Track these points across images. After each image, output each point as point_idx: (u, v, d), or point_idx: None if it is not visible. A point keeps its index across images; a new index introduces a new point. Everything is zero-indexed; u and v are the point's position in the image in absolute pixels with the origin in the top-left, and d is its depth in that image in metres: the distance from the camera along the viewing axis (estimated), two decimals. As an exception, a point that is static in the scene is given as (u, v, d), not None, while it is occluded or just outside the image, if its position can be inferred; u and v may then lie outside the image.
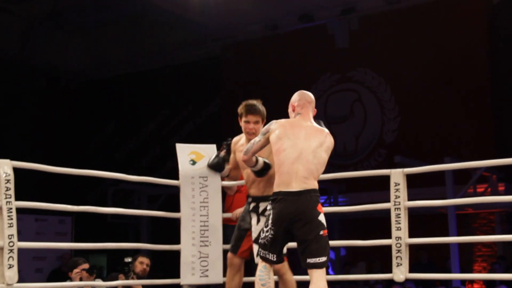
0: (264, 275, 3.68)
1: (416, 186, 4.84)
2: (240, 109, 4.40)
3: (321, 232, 3.61)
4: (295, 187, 3.61)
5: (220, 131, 12.29)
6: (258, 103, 4.42)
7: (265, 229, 3.70)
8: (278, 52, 12.40)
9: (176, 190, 5.57)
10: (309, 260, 3.60)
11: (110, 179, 6.96)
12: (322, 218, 3.66)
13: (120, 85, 14.12)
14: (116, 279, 5.55)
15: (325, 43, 12.04)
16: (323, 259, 3.61)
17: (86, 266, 5.21)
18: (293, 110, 3.99)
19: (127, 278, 5.52)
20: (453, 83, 10.86)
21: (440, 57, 10.98)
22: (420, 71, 11.10)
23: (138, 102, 13.93)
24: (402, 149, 10.53)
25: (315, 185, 3.66)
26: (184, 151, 5.44)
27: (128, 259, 5.58)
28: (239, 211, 5.27)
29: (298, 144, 3.73)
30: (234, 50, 12.89)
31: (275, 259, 3.69)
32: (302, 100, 3.97)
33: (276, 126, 3.86)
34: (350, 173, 5.69)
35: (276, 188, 3.68)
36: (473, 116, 10.64)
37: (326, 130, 3.94)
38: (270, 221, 3.67)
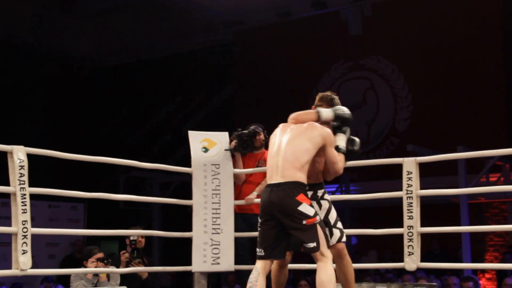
0: (252, 277, 3.68)
1: (428, 175, 4.82)
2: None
3: (304, 222, 3.62)
4: (275, 179, 3.71)
5: (232, 119, 12.29)
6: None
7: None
8: (291, 39, 12.34)
9: (187, 177, 5.58)
10: (303, 247, 3.65)
11: (122, 166, 7.00)
12: (304, 208, 3.64)
13: (132, 72, 14.13)
14: (119, 260, 5.55)
15: (338, 30, 11.97)
16: (312, 244, 3.62)
17: (100, 255, 5.23)
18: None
19: (133, 257, 5.52)
20: (466, 71, 10.77)
21: (453, 44, 10.89)
22: (433, 58, 11.02)
23: (150, 89, 13.94)
24: (414, 138, 10.48)
25: (297, 176, 3.68)
26: (196, 138, 5.44)
27: (134, 237, 5.60)
28: (251, 196, 5.28)
29: (278, 139, 3.84)
30: (246, 37, 12.84)
31: (263, 254, 3.71)
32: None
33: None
34: (362, 161, 5.67)
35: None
36: (486, 104, 10.56)
37: (319, 125, 3.93)
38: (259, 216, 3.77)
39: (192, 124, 12.92)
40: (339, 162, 3.90)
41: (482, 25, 10.70)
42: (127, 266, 5.54)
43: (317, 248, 3.64)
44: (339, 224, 3.96)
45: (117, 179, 11.90)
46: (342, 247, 3.91)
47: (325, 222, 3.86)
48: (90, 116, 14.35)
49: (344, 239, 3.93)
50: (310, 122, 3.93)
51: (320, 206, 3.91)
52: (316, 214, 3.70)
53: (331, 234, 3.86)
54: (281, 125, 3.99)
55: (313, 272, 7.56)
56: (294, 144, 3.77)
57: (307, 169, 3.75)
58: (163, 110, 13.91)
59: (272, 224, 3.69)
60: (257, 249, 3.73)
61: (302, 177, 3.71)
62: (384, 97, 11.66)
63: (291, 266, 6.48)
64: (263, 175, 5.17)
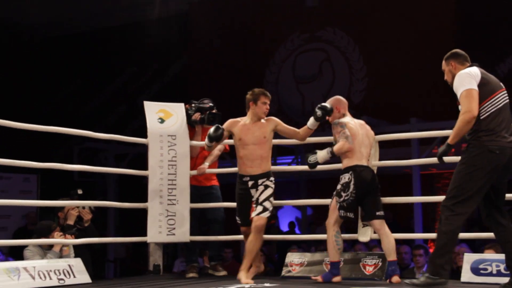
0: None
1: (382, 146, 4.91)
2: (254, 94, 4.64)
3: None
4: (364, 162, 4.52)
5: (186, 89, 12.20)
6: None
7: None
8: (246, 10, 12.26)
9: (143, 148, 5.54)
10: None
11: (76, 137, 6.88)
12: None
13: (86, 41, 13.85)
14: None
15: (294, 1, 11.94)
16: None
17: (59, 229, 5.12)
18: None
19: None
20: (420, 43, 10.90)
21: (408, 17, 10.99)
22: (389, 31, 11.11)
23: (105, 59, 13.70)
24: (369, 110, 10.60)
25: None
26: (152, 109, 5.39)
27: (80, 191, 5.48)
28: (203, 166, 5.26)
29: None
30: (201, 7, 12.70)
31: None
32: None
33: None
34: (317, 135, 5.71)
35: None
36: (439, 76, 10.71)
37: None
38: None
39: (147, 94, 12.78)
40: None
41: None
42: (77, 220, 5.38)
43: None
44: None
45: (71, 150, 11.72)
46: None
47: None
48: (43, 85, 14.04)
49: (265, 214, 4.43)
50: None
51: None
52: None
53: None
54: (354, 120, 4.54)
55: (266, 243, 7.63)
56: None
57: None
58: (118, 80, 13.71)
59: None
60: (349, 214, 4.39)
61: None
62: (339, 69, 11.73)
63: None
64: None
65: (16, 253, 7.41)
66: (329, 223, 4.46)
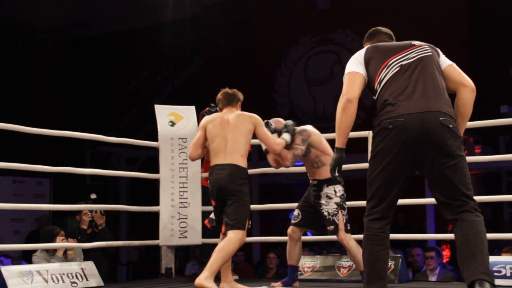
0: None
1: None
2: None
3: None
4: None
5: (199, 93, 12.21)
6: None
7: None
8: (259, 13, 12.27)
9: (155, 152, 5.56)
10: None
11: (89, 141, 6.91)
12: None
13: (99, 45, 13.91)
14: (85, 234, 5.46)
15: (306, 4, 11.93)
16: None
17: (62, 233, 5.17)
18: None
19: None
20: (433, 44, 10.83)
21: (421, 18, 10.95)
22: (401, 33, 11.04)
23: (117, 62, 13.76)
24: (381, 112, 10.55)
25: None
26: (163, 113, 5.42)
27: (94, 195, 5.53)
28: None
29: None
30: (213, 11, 12.72)
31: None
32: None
33: None
34: (329, 134, 5.69)
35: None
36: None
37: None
38: None
39: (159, 98, 12.82)
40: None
41: (451, 3, 10.77)
42: (90, 224, 5.47)
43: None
44: None
45: (83, 154, 11.78)
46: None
47: None
48: (56, 90, 14.11)
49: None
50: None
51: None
52: None
53: None
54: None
55: (280, 245, 7.63)
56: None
57: None
58: (130, 84, 13.76)
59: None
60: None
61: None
62: (351, 71, 11.68)
63: (260, 238, 6.52)
64: None
65: (28, 257, 7.46)
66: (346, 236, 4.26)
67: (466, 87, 3.04)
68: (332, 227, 4.24)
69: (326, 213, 4.26)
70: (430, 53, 3.06)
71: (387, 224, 2.94)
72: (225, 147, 4.12)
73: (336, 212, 4.25)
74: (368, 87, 3.10)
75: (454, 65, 3.11)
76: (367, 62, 3.07)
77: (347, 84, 3.06)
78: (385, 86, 2.98)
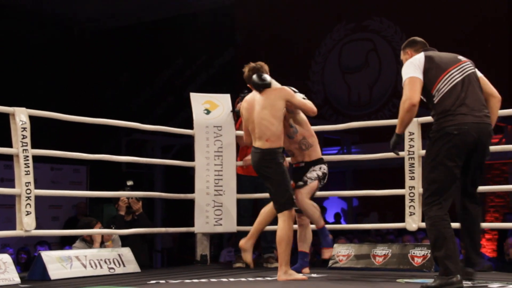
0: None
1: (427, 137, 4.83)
2: None
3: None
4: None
5: (234, 81, 12.23)
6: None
7: None
8: (292, 1, 12.20)
9: (189, 140, 5.58)
10: None
11: (124, 129, 6.99)
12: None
13: (134, 34, 14.02)
14: (122, 220, 5.55)
15: (341, -9, 11.84)
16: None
17: (99, 225, 5.26)
18: None
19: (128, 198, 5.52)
20: (471, 34, 10.66)
21: (459, 5, 10.76)
22: (438, 20, 10.90)
23: (152, 51, 13.84)
24: (416, 100, 10.43)
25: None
26: (199, 101, 5.43)
27: (130, 182, 5.61)
28: (249, 157, 5.26)
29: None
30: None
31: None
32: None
33: None
34: (363, 122, 5.66)
35: None
36: (490, 66, 10.47)
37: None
38: None
39: (194, 86, 12.86)
40: None
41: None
42: (128, 210, 5.56)
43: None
44: None
45: (119, 142, 11.90)
46: None
47: None
48: (92, 79, 14.29)
49: None
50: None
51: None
52: None
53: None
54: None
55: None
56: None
57: None
58: (165, 73, 13.84)
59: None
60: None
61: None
62: (386, 58, 11.58)
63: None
64: None
65: (66, 243, 7.60)
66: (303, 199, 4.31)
67: (495, 97, 3.61)
68: (301, 183, 4.29)
69: (305, 177, 4.31)
70: (473, 70, 3.57)
71: (447, 213, 3.49)
72: (253, 131, 4.23)
73: (313, 179, 4.31)
74: (424, 91, 3.52)
75: (484, 78, 3.63)
76: (426, 70, 3.50)
77: (410, 88, 3.46)
78: (443, 96, 3.46)
